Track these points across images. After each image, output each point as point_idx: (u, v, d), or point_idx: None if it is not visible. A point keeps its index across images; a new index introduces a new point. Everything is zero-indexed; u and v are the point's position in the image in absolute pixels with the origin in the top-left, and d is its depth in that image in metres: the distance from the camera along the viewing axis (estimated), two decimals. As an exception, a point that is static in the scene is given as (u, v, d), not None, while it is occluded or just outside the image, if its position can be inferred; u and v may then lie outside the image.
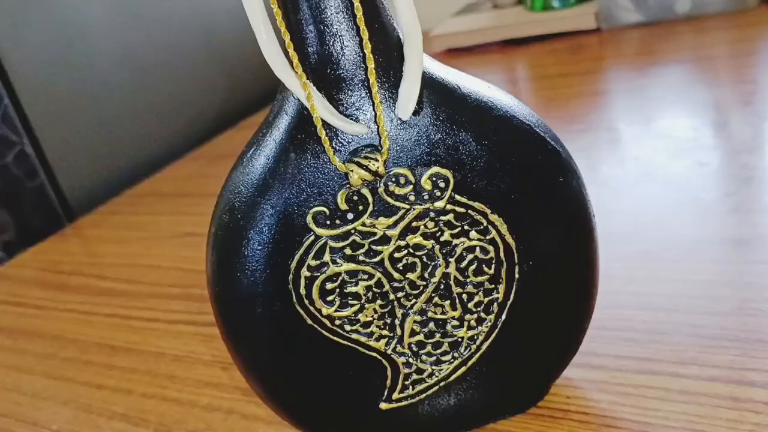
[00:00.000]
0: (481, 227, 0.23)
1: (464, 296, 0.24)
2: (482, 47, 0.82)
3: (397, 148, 0.22)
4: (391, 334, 0.24)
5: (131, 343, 0.41)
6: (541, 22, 0.78)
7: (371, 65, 0.21)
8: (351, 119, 0.22)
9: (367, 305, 0.24)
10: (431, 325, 0.24)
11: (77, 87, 0.68)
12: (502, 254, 0.24)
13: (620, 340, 0.30)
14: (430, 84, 0.23)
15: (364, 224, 0.23)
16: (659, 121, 0.50)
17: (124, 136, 0.72)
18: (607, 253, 0.28)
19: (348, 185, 0.22)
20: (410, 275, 0.24)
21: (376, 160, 0.22)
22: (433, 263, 0.24)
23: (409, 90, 0.22)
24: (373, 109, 0.22)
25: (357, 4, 0.21)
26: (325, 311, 0.23)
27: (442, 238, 0.23)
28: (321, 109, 0.21)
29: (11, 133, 0.62)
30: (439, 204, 0.23)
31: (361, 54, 0.22)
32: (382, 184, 0.22)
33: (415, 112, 0.22)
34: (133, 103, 0.73)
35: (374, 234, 0.23)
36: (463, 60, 0.81)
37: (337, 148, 0.22)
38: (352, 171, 0.22)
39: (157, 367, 0.38)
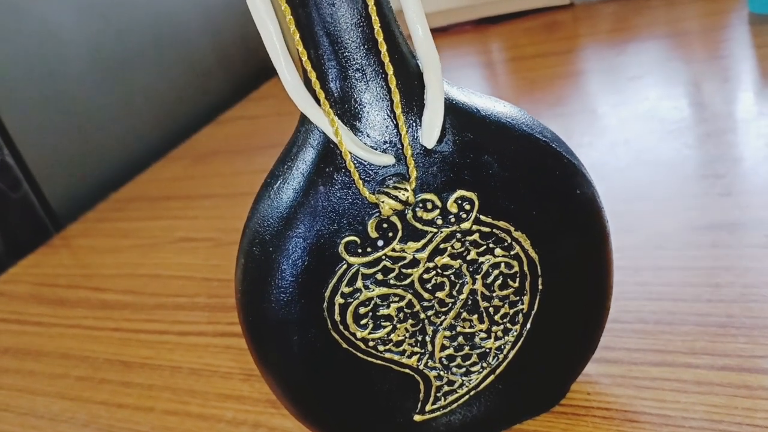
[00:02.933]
0: (506, 244, 0.24)
1: (491, 309, 0.25)
2: (456, 26, 0.82)
3: (423, 174, 0.23)
4: (423, 351, 0.25)
5: (144, 358, 0.41)
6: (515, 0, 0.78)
7: (397, 99, 0.22)
8: (376, 149, 0.23)
9: (399, 325, 0.24)
10: (460, 338, 0.25)
11: (52, 92, 0.67)
12: (525, 268, 0.25)
13: (632, 333, 0.31)
14: (450, 109, 0.23)
15: (394, 249, 0.23)
16: (643, 102, 0.51)
17: (103, 138, 0.71)
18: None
19: (377, 214, 0.23)
20: (439, 294, 0.24)
21: (406, 189, 0.22)
22: (460, 281, 0.24)
23: (433, 119, 0.22)
24: (399, 140, 0.22)
25: (381, 39, 0.21)
26: (359, 334, 0.24)
27: (468, 257, 0.24)
28: (348, 142, 0.22)
29: (-10, 146, 0.61)
30: (465, 225, 0.23)
31: (386, 87, 0.22)
32: (410, 211, 0.23)
33: (439, 139, 0.23)
34: (109, 104, 0.72)
35: (404, 258, 0.23)
36: (439, 40, 0.81)
37: (365, 178, 0.23)
38: (383, 202, 0.22)
39: (174, 382, 0.38)
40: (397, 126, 0.22)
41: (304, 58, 0.21)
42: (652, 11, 0.68)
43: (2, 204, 0.62)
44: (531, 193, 0.24)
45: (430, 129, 0.22)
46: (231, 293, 0.44)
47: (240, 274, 0.25)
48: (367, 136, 0.23)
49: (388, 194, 0.22)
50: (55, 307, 0.51)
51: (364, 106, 0.22)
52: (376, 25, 0.21)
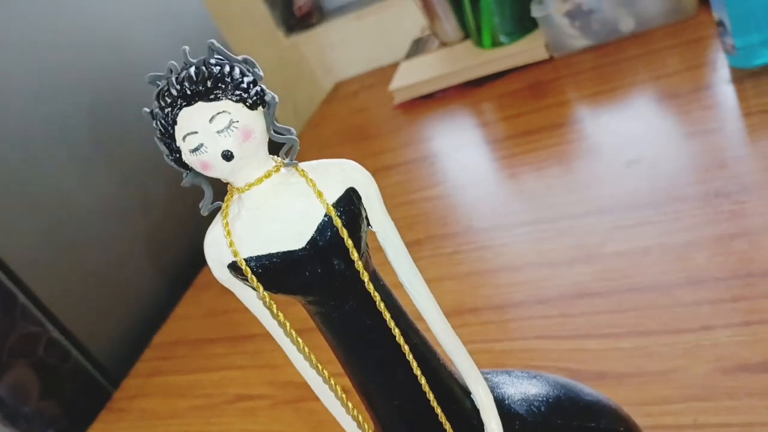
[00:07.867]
0: None
1: None
2: (441, 92, 0.84)
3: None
4: None
5: None
6: (496, 60, 0.80)
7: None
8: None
9: None
10: None
11: (76, 258, 0.69)
12: None
13: None
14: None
15: None
16: (650, 195, 0.53)
17: (128, 280, 0.74)
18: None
19: None
20: None
21: None
22: None
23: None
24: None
25: (435, 404, 0.24)
26: None
27: None
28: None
29: (36, 327, 0.64)
30: None
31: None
32: None
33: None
34: (126, 253, 0.74)
35: None
36: (427, 110, 0.83)
37: None
38: None
39: None
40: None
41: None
42: (630, 65, 0.69)
43: (57, 378, 0.65)
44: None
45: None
46: (303, 469, 0.47)
47: None
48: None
49: None
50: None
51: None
52: (430, 396, 0.24)
